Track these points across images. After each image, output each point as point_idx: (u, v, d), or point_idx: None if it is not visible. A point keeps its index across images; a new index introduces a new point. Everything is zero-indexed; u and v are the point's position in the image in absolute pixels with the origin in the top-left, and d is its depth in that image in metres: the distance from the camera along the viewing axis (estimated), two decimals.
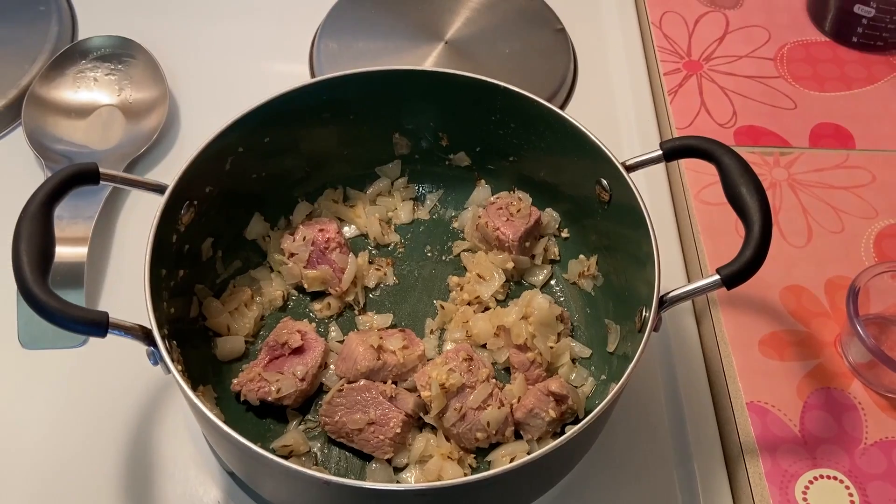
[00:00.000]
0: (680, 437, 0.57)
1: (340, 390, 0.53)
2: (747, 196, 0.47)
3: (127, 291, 0.60)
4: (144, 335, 0.44)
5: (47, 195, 0.45)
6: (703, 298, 0.63)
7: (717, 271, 0.46)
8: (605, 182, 0.55)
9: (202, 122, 0.71)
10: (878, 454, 0.54)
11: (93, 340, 0.60)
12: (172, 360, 0.45)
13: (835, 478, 0.53)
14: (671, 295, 0.47)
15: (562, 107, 0.75)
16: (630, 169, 0.53)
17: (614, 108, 0.75)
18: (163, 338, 0.45)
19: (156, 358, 0.45)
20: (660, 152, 0.52)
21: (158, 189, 0.50)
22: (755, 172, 0.48)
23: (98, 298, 0.62)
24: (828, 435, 0.54)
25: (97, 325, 0.43)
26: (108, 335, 0.43)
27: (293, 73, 0.77)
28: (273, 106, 0.56)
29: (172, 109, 0.72)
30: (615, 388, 0.45)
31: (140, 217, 0.66)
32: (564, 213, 0.63)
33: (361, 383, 0.54)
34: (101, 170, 0.48)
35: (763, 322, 0.60)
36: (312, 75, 0.77)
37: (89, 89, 0.72)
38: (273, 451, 0.51)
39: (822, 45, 0.78)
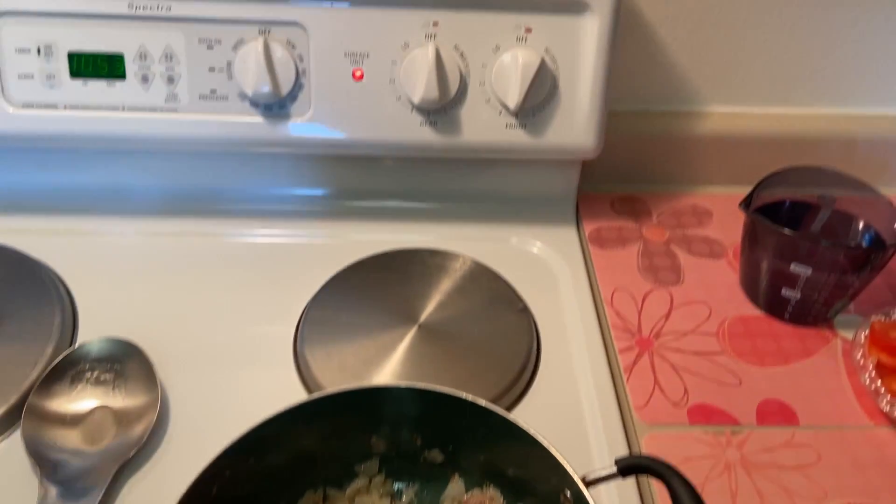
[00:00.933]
0: None
1: None
2: None
3: None
4: None
5: None
6: None
7: None
8: (568, 493, 0.60)
9: (191, 424, 0.76)
10: None
11: None
12: None
13: None
14: None
15: (527, 385, 0.81)
16: (590, 485, 0.57)
17: (576, 388, 0.81)
18: None
19: None
20: (615, 469, 0.57)
21: None
22: (701, 498, 0.53)
23: None
24: None
25: None
26: None
27: (279, 377, 0.82)
28: (259, 430, 0.61)
29: (162, 411, 0.77)
30: None
31: None
32: None
33: None
34: None
35: None
36: (297, 362, 0.83)
37: (85, 392, 0.77)
38: None
39: (758, 319, 0.86)
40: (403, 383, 0.66)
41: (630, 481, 0.72)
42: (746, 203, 0.82)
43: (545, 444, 0.60)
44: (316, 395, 0.64)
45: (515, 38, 0.86)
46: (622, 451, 0.76)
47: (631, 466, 0.57)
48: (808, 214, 0.88)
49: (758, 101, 1.03)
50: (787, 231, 0.78)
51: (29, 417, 0.74)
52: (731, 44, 0.99)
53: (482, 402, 0.64)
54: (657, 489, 0.70)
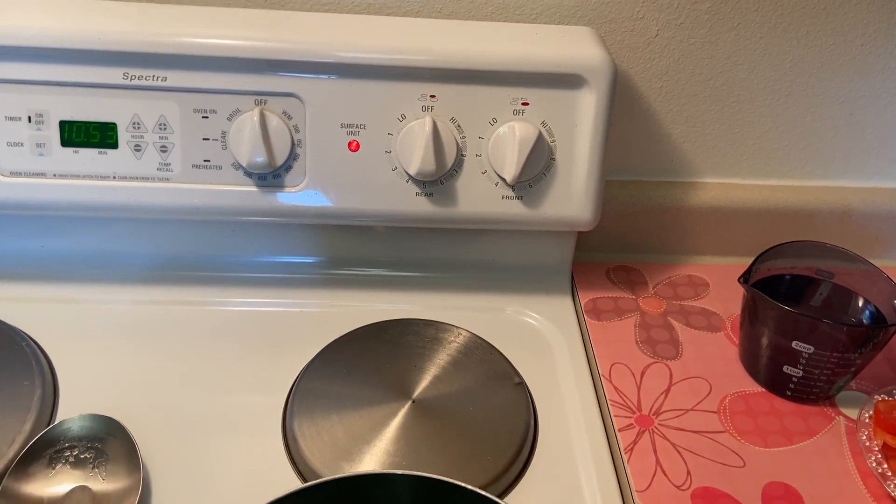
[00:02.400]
0: None
1: None
2: None
3: None
4: None
5: None
6: None
7: None
8: None
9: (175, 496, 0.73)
10: None
11: None
12: None
13: None
14: None
15: (525, 466, 0.78)
16: None
17: (576, 471, 0.78)
18: None
19: None
20: None
21: None
22: None
23: None
24: None
25: None
26: None
27: (267, 455, 0.79)
28: None
29: (145, 492, 0.73)
30: None
31: None
32: None
33: None
34: None
35: None
36: (286, 441, 0.80)
37: (64, 473, 0.73)
38: None
39: (759, 395, 0.85)
40: (398, 471, 0.63)
41: None
42: (745, 277, 0.81)
43: None
44: (306, 485, 0.61)
45: (512, 111, 0.86)
46: None
47: None
48: (808, 289, 0.87)
49: (752, 172, 1.04)
50: (787, 308, 0.77)
51: (3, 502, 0.70)
52: (725, 116, 1.00)
53: (480, 491, 0.61)
54: None
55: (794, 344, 0.79)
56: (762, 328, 0.82)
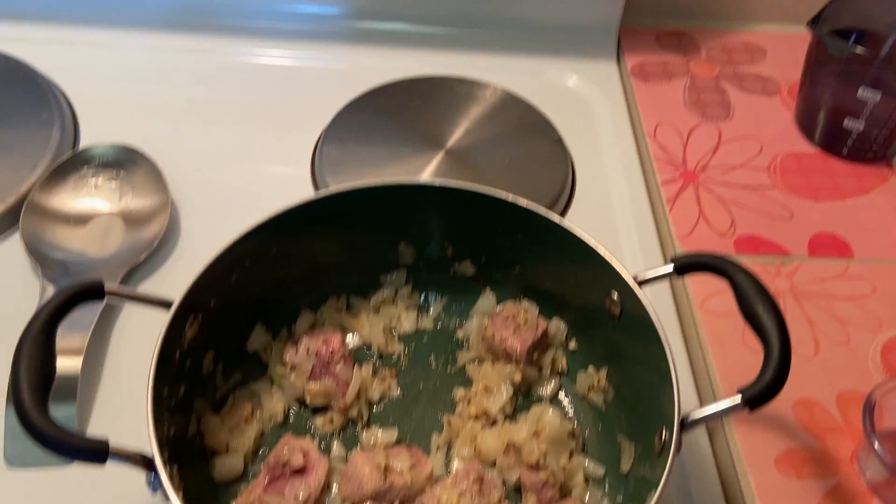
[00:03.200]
0: None
1: None
2: (764, 316, 0.47)
3: (122, 408, 0.58)
4: (145, 463, 0.42)
5: (50, 315, 0.44)
6: None
7: (740, 391, 0.45)
8: (615, 296, 0.55)
9: (203, 229, 0.71)
10: None
11: None
12: (174, 488, 0.42)
13: None
14: (693, 418, 0.46)
15: (561, 215, 0.76)
16: (642, 284, 0.52)
17: (613, 218, 0.76)
18: (164, 463, 0.43)
19: (156, 486, 0.43)
20: (672, 268, 0.52)
21: (164, 304, 0.49)
22: (769, 291, 0.48)
23: (90, 413, 0.59)
24: None
25: (97, 453, 0.40)
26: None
27: (295, 179, 0.77)
28: (282, 219, 0.55)
29: (173, 216, 0.72)
30: None
31: (137, 329, 0.64)
32: (571, 324, 0.62)
33: None
34: (106, 286, 0.47)
35: (778, 439, 0.58)
36: (314, 181, 0.77)
37: (89, 196, 0.71)
38: None
39: (813, 156, 0.80)
40: (437, 181, 0.60)
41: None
42: (814, 21, 0.74)
43: (592, 243, 0.55)
44: (342, 186, 0.58)
45: None
46: (665, 284, 0.71)
47: (689, 264, 0.52)
48: (877, 44, 0.80)
49: None
50: (859, 49, 0.71)
51: (29, 215, 0.69)
52: None
53: (523, 202, 0.58)
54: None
55: (859, 92, 0.73)
56: (826, 78, 0.76)
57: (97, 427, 0.58)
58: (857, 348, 0.64)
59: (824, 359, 0.63)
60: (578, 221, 0.57)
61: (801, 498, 0.55)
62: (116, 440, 0.42)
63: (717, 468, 0.60)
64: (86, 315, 0.62)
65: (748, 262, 0.69)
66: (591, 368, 0.60)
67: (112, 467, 0.52)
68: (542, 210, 0.58)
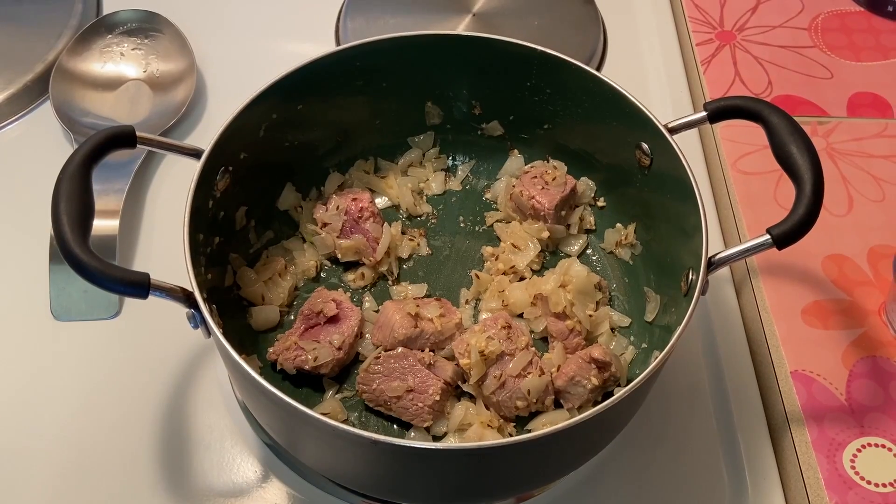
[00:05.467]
0: (722, 407, 0.56)
1: (378, 358, 0.53)
2: (797, 155, 0.46)
3: (161, 262, 0.59)
4: (185, 297, 0.44)
5: (86, 156, 0.44)
6: (742, 267, 0.62)
7: (768, 231, 0.45)
8: (645, 146, 0.54)
9: (229, 96, 0.70)
10: None
11: (125, 312, 0.59)
12: (214, 323, 0.44)
13: (883, 445, 0.52)
14: (720, 256, 0.46)
15: None
16: (673, 132, 0.52)
17: (646, 79, 0.74)
18: (203, 300, 0.44)
19: (196, 321, 0.44)
20: (704, 114, 0.51)
21: (194, 153, 0.50)
22: (804, 131, 0.47)
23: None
24: (875, 403, 0.53)
25: (139, 285, 0.42)
26: (149, 297, 0.43)
27: (319, 49, 0.75)
28: (307, 71, 0.55)
29: (199, 83, 0.71)
30: (661, 355, 0.44)
31: (171, 188, 0.66)
32: (600, 182, 0.62)
33: (399, 351, 0.53)
34: (137, 133, 0.47)
35: (805, 291, 0.58)
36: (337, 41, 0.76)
37: (116, 63, 0.71)
38: None
39: (856, 14, 0.77)
40: (463, 32, 0.58)
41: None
42: None
43: (623, 91, 0.54)
44: (366, 39, 0.57)
45: None
46: (696, 143, 0.70)
47: (722, 109, 0.51)
48: None
49: None
50: None
51: (58, 81, 0.69)
52: None
53: (553, 52, 0.57)
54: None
55: None
56: None
57: None
58: (892, 205, 0.63)
59: (857, 216, 0.62)
60: None
61: (826, 346, 0.56)
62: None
63: (742, 320, 0.60)
64: (119, 178, 0.63)
65: None
66: (618, 225, 0.60)
67: (153, 317, 0.54)
68: (571, 59, 0.56)
